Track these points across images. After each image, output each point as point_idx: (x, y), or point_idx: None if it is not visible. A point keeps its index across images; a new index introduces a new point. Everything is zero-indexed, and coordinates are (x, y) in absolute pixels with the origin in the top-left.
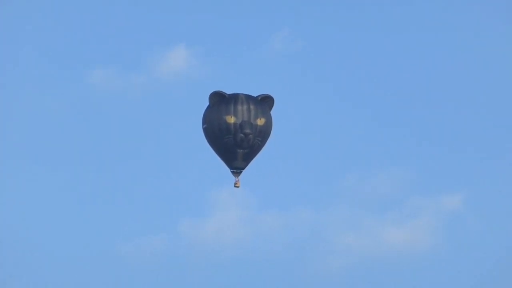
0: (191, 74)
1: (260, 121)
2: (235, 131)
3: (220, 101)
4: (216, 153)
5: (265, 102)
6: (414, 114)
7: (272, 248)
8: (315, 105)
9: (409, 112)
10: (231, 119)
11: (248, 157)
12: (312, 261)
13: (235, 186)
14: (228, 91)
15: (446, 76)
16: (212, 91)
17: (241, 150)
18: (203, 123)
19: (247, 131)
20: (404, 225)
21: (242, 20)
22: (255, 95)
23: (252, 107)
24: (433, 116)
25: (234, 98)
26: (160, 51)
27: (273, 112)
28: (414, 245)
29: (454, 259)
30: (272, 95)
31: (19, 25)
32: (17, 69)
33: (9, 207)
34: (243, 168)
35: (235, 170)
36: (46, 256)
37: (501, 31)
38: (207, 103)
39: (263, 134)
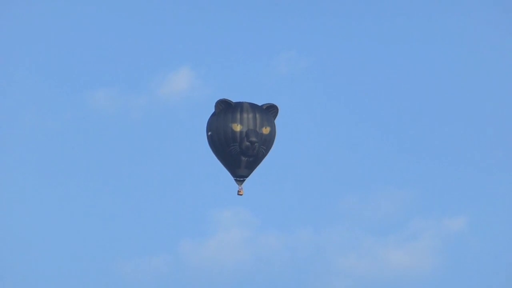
0: (193, 95)
1: (266, 130)
2: (241, 139)
3: (226, 109)
4: (220, 160)
5: (269, 111)
6: (417, 135)
7: (273, 269)
8: (317, 125)
9: (412, 133)
10: (237, 127)
11: (252, 166)
12: (312, 282)
13: (238, 194)
14: None
15: (450, 97)
16: (218, 99)
17: (245, 158)
18: (208, 130)
19: (253, 139)
20: (405, 247)
21: (245, 42)
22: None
23: (257, 115)
24: (437, 137)
25: (240, 106)
26: (163, 72)
27: (276, 128)
28: (415, 267)
29: (455, 282)
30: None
31: (20, 45)
32: (18, 90)
33: (8, 227)
34: (247, 176)
35: (238, 178)
36: (44, 275)
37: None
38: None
39: (268, 143)
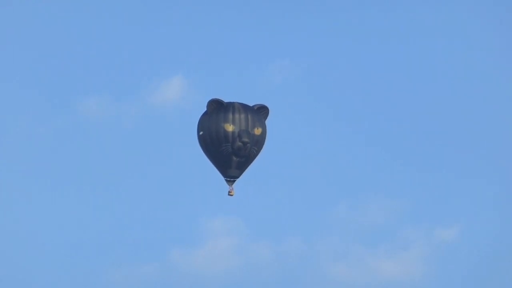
0: (185, 102)
1: (257, 131)
2: (233, 140)
3: (218, 109)
4: (211, 160)
5: (260, 112)
6: (408, 144)
7: (263, 278)
8: (308, 133)
9: (403, 143)
10: (229, 127)
11: (243, 166)
12: None
13: (229, 195)
14: None
15: (443, 106)
16: (210, 99)
17: (236, 159)
18: (199, 130)
19: (246, 140)
20: (396, 257)
21: (238, 50)
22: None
23: (249, 116)
24: (428, 147)
25: (232, 106)
26: (155, 79)
27: (267, 139)
28: (406, 277)
29: None
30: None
31: (10, 51)
32: (8, 96)
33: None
34: (237, 177)
35: (229, 179)
36: (35, 283)
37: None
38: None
39: (259, 143)
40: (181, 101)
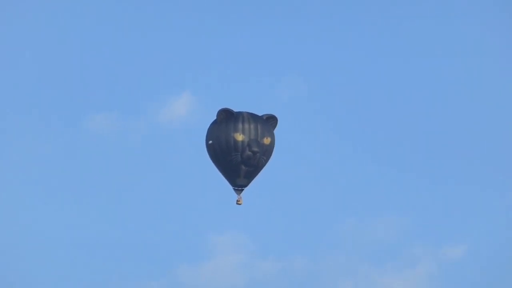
0: (193, 120)
1: (267, 140)
2: (243, 149)
3: (228, 118)
4: (219, 169)
5: (269, 122)
6: (417, 161)
7: None
8: (315, 149)
9: (411, 159)
10: (239, 137)
11: (251, 175)
12: None
13: (237, 203)
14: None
15: (450, 124)
16: (220, 108)
17: (245, 168)
18: (208, 139)
19: (255, 149)
20: (403, 275)
21: (246, 67)
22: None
23: (259, 126)
24: (436, 164)
25: (241, 116)
26: (163, 97)
27: (274, 153)
28: None
29: None
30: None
31: (18, 68)
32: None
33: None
34: (246, 186)
35: (237, 188)
36: None
37: None
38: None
39: (268, 153)
40: (189, 117)
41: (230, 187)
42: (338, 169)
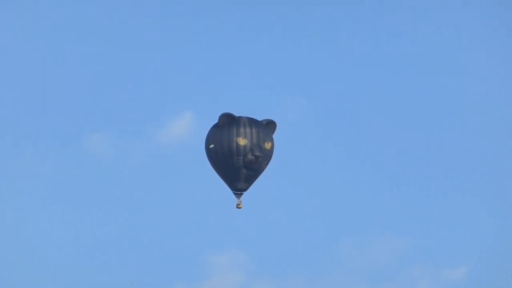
0: (194, 140)
1: (268, 145)
2: (245, 153)
3: (230, 123)
4: (219, 174)
5: (269, 126)
6: (416, 183)
7: None
8: (314, 169)
9: (410, 181)
10: (242, 141)
11: (251, 179)
12: None
13: (237, 207)
14: None
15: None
16: (222, 113)
17: (246, 172)
18: (209, 143)
19: (258, 154)
20: None
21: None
22: None
23: (260, 130)
24: (435, 185)
25: (243, 121)
26: (164, 116)
27: (272, 172)
28: None
29: None
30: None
31: (17, 86)
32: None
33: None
34: (246, 190)
35: (237, 192)
36: None
37: None
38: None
39: (269, 158)
40: (189, 137)
41: (231, 202)
42: (336, 190)
